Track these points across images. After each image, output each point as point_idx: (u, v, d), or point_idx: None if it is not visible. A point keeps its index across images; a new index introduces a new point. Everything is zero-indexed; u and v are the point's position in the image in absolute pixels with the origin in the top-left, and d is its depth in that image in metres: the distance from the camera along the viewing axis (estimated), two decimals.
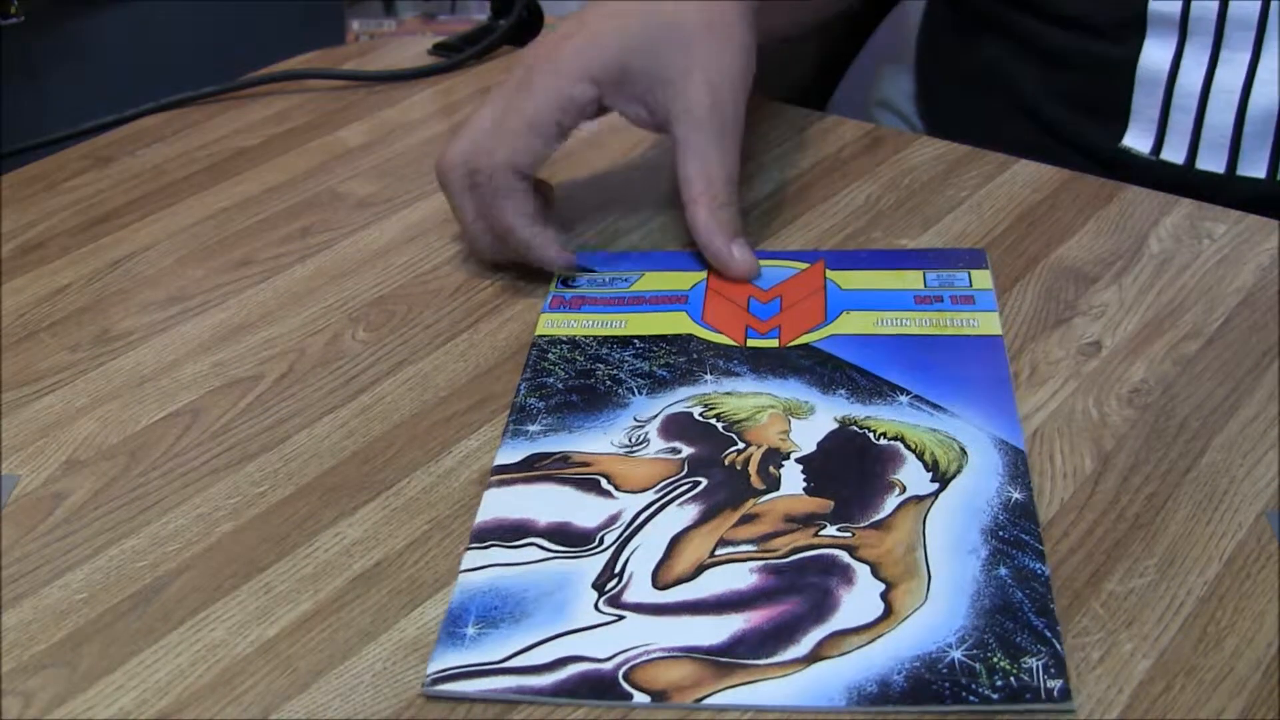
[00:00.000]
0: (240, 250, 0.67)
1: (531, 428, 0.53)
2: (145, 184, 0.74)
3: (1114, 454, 0.51)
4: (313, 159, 0.75)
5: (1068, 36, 0.77)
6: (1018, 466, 0.49)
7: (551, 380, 0.55)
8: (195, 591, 0.46)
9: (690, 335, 0.58)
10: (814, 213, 0.67)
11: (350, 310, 0.61)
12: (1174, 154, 0.75)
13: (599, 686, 0.42)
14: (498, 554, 0.47)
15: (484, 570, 0.47)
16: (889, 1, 0.99)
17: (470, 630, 0.44)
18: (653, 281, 0.62)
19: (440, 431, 0.53)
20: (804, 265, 0.62)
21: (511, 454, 0.52)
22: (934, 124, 0.89)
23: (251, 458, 0.53)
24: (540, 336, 0.58)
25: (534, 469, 0.51)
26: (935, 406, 0.53)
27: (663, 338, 0.58)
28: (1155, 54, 0.74)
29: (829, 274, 0.61)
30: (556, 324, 0.59)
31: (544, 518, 0.48)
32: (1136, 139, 0.76)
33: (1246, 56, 0.72)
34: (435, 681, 0.42)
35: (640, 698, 0.42)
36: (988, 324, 0.57)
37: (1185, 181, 0.74)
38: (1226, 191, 0.73)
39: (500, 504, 0.49)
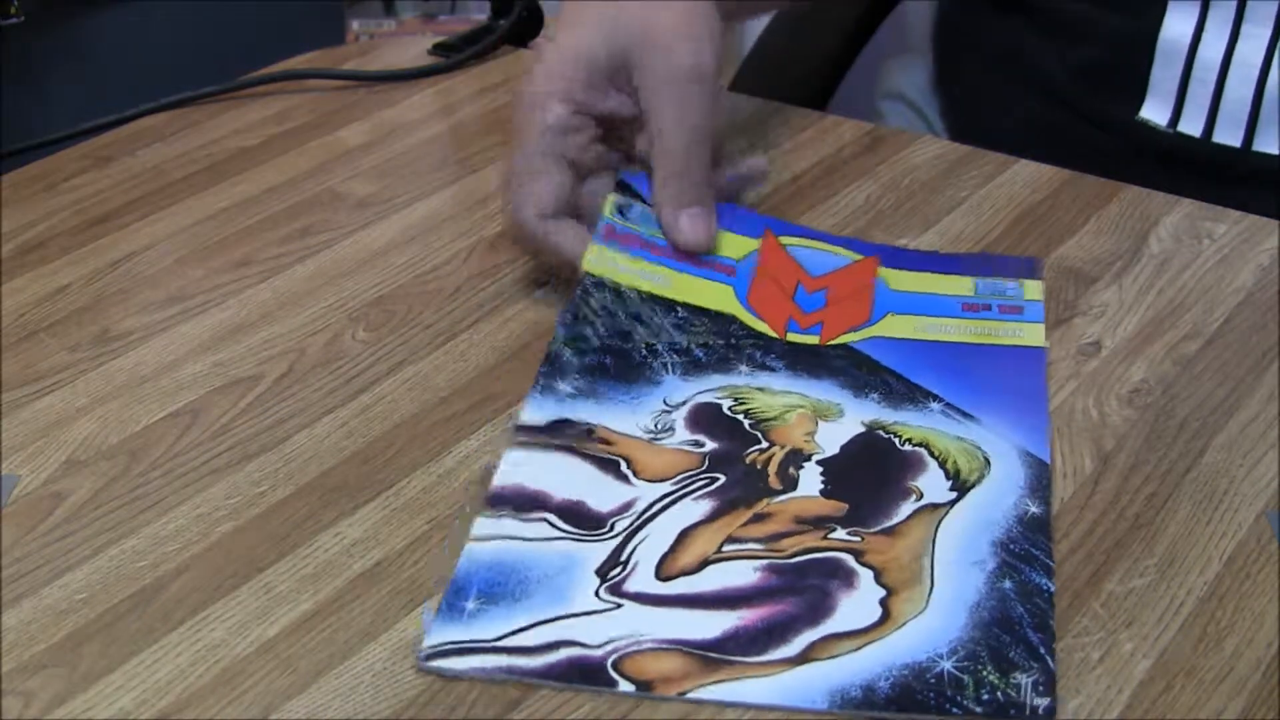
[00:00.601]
0: (240, 250, 0.67)
1: (562, 386, 0.53)
2: (145, 184, 0.73)
3: (1114, 454, 0.51)
4: (313, 159, 0.75)
5: (1089, 10, 0.77)
6: (1040, 480, 0.49)
7: (589, 333, 0.55)
8: (195, 591, 0.46)
9: (732, 316, 0.57)
10: (814, 213, 0.67)
11: (350, 310, 0.61)
12: (1191, 126, 0.75)
13: (587, 672, 0.42)
14: (509, 525, 0.47)
15: (493, 541, 0.47)
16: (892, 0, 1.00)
17: (470, 605, 0.44)
18: None
19: (440, 431, 0.53)
20: (857, 256, 0.61)
21: (538, 413, 0.52)
22: (950, 107, 0.89)
23: (251, 458, 0.53)
24: (588, 275, 0.57)
25: (558, 437, 0.51)
26: (966, 415, 0.52)
27: (705, 312, 0.57)
28: (1176, 26, 0.74)
29: (880, 271, 0.60)
30: (605, 260, 0.58)
31: (560, 493, 0.49)
32: (1154, 111, 0.76)
33: (1268, 31, 0.72)
34: (430, 657, 0.43)
35: (626, 686, 0.42)
36: (1033, 335, 0.56)
37: (1201, 154, 0.75)
38: (1242, 165, 0.74)
39: (520, 469, 0.49)
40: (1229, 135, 0.74)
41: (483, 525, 0.47)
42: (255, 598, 0.46)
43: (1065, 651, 0.43)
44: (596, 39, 0.60)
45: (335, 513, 0.50)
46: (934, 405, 0.53)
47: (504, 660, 0.42)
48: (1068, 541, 0.47)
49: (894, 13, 1.00)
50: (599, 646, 0.43)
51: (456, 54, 0.85)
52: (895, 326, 0.57)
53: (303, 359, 0.58)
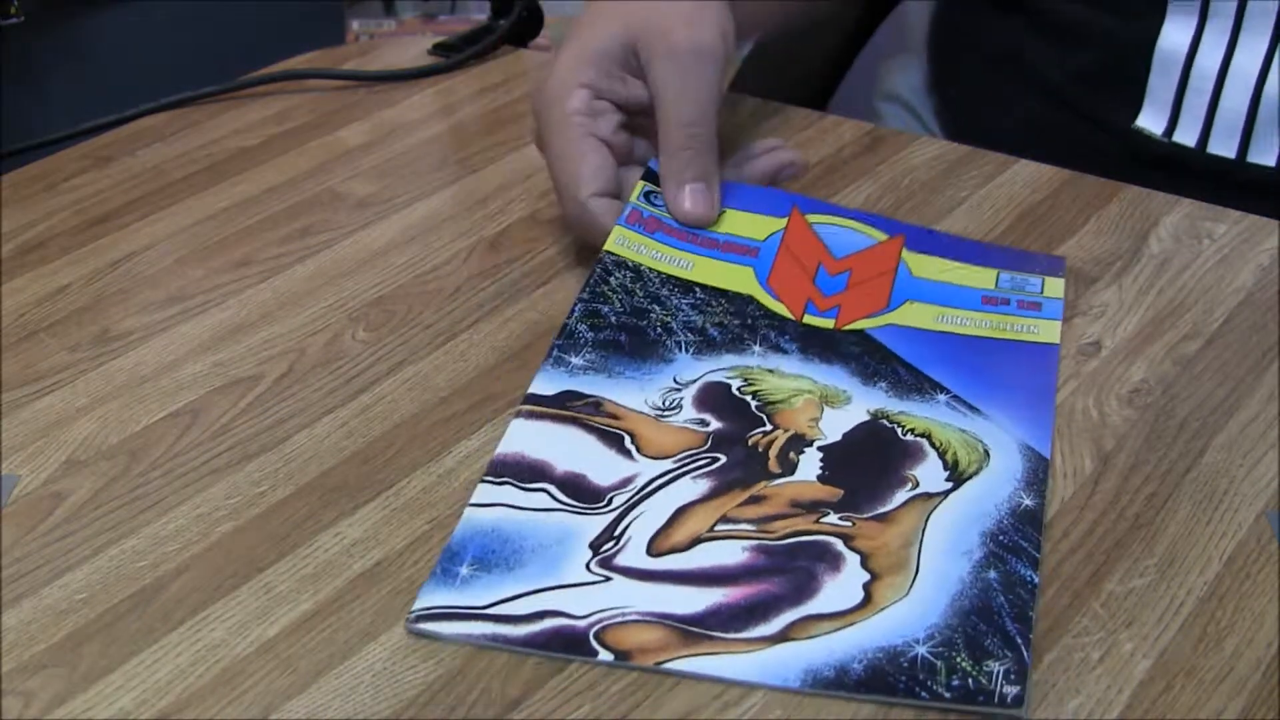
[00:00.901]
0: (240, 250, 0.67)
1: (574, 360, 0.53)
2: (145, 184, 0.73)
3: (1114, 454, 0.51)
4: (313, 159, 0.75)
5: (1088, 14, 0.77)
6: (1037, 474, 0.49)
7: (606, 310, 0.56)
8: (195, 591, 0.46)
9: (750, 297, 0.57)
10: None
11: (350, 310, 0.61)
12: (1186, 136, 0.75)
13: (570, 642, 0.43)
14: (509, 493, 0.48)
15: (492, 509, 0.47)
16: (891, 1, 0.99)
17: (464, 570, 0.45)
18: (731, 223, 0.61)
19: (440, 431, 0.53)
20: (883, 236, 0.61)
21: (547, 384, 0.52)
22: (945, 108, 0.89)
23: (251, 458, 0.53)
24: (609, 254, 0.58)
25: (565, 408, 0.51)
26: (971, 408, 0.52)
27: (724, 293, 0.58)
28: (1174, 35, 0.74)
29: (904, 254, 0.60)
30: (628, 243, 0.59)
31: (562, 465, 0.49)
32: (1150, 120, 0.76)
33: (1265, 42, 0.72)
34: (419, 619, 0.43)
35: (605, 655, 0.42)
36: (1048, 332, 0.56)
37: (1196, 164, 0.74)
38: (1236, 177, 0.74)
39: (524, 439, 0.50)
40: (1224, 146, 0.74)
41: (483, 492, 0.48)
42: (255, 598, 0.46)
43: (1065, 651, 0.43)
44: (608, 33, 0.62)
45: (335, 513, 0.50)
46: (940, 397, 0.53)
47: (490, 628, 0.43)
48: (1068, 541, 0.47)
49: (894, 13, 1.00)
50: (584, 618, 0.43)
51: (456, 54, 0.85)
52: (912, 315, 0.57)
53: (303, 359, 0.58)
